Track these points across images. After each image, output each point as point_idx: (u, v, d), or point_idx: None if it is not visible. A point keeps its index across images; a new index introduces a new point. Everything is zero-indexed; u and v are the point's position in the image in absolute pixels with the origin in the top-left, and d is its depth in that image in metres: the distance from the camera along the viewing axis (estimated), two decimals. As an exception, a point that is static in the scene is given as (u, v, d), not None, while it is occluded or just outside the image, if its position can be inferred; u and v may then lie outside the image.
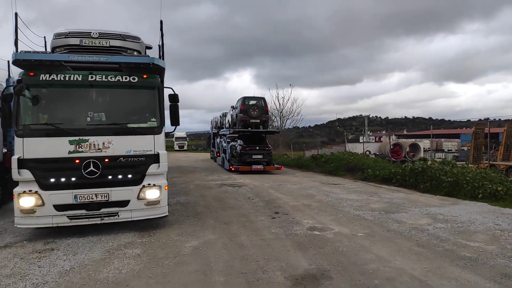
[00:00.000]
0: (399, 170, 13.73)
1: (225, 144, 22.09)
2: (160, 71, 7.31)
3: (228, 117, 23.46)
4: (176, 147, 63.82)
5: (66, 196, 6.33)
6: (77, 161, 6.39)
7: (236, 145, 19.98)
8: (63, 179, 6.35)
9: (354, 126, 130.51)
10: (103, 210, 6.54)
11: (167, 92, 7.15)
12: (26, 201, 6.20)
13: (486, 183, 10.25)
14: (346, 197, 10.49)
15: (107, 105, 6.98)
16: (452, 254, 5.32)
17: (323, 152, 26.40)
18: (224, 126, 24.85)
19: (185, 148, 62.66)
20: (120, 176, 6.63)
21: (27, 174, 6.24)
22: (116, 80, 6.77)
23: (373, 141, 49.08)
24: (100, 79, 6.70)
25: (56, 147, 6.33)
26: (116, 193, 6.58)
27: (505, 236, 6.31)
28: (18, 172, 6.19)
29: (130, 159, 6.68)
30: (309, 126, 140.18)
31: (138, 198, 6.69)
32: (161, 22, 7.64)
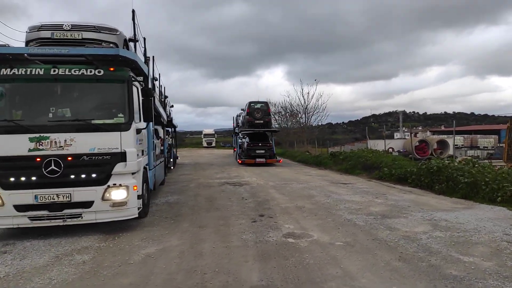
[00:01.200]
0: (414, 169, 12.65)
1: (239, 141, 25.53)
2: (131, 63, 6.89)
3: (241, 118, 26.88)
4: (205, 144, 64.34)
5: (26, 196, 6.04)
6: (38, 159, 6.08)
7: (244, 142, 23.71)
8: (23, 178, 6.06)
9: (390, 122, 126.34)
10: (66, 211, 6.21)
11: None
12: None
13: (506, 184, 9.09)
14: (347, 199, 9.67)
15: (71, 100, 6.63)
16: (434, 272, 4.51)
17: (346, 149, 25.29)
18: (238, 125, 28.24)
19: (213, 144, 62.93)
20: (83, 176, 6.26)
21: None
22: (80, 73, 6.41)
23: (408, 137, 46.86)
24: (63, 73, 6.36)
25: (16, 145, 6.04)
26: (79, 194, 6.22)
27: (510, 249, 5.36)
28: None
29: (94, 157, 6.29)
30: (343, 122, 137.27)
31: (103, 199, 6.30)
32: (133, 11, 7.19)
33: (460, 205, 8.81)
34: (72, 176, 6.21)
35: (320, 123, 41.10)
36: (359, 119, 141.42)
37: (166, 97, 19.07)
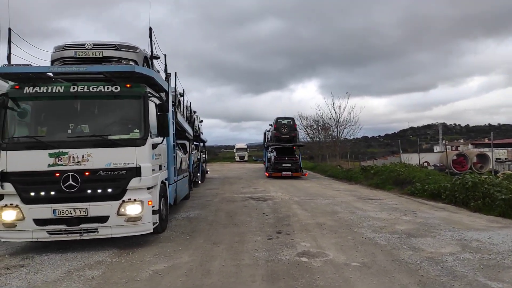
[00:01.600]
0: (448, 185, 11.95)
1: (268, 155, 27.10)
2: (148, 79, 7.02)
3: (269, 133, 28.21)
4: (237, 158, 64.70)
5: (45, 211, 6.20)
6: (56, 174, 6.25)
7: (271, 156, 24.84)
8: (42, 193, 6.24)
9: (429, 134, 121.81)
10: (82, 225, 6.30)
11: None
12: (7, 215, 6.17)
13: (549, 202, 8.36)
14: (373, 216, 9.24)
15: (89, 117, 6.81)
16: (456, 299, 4.13)
17: (379, 163, 24.52)
18: (267, 140, 29.53)
19: (246, 159, 63.19)
20: (99, 191, 6.35)
21: (9, 187, 6.22)
22: (98, 90, 6.59)
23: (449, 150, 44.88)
24: (82, 90, 6.56)
25: (37, 160, 6.25)
26: (95, 208, 6.30)
27: (548, 275, 4.84)
28: (1, 186, 6.20)
29: (109, 172, 6.38)
30: (379, 135, 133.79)
31: (118, 213, 6.35)
32: (150, 29, 7.34)
33: (496, 224, 8.17)
34: (89, 191, 6.32)
35: (353, 137, 40.20)
36: (396, 132, 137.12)
37: (194, 112, 19.35)
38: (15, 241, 6.56)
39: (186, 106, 14.60)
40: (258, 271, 5.11)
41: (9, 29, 6.96)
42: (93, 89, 6.57)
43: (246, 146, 66.87)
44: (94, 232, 6.33)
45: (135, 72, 6.57)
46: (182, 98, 14.13)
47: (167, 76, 9.21)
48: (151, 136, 6.81)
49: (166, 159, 8.47)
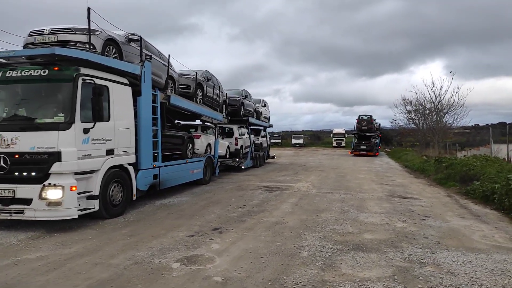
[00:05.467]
0: (497, 186, 9.26)
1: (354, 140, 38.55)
2: (83, 62, 6.84)
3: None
4: (334, 144, 62.59)
5: (-21, 191, 6.55)
6: None
7: (355, 141, 36.83)
8: None
9: None
10: (12, 206, 6.52)
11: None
12: None
13: None
14: (361, 219, 7.65)
15: (23, 101, 6.96)
16: None
17: (469, 153, 20.72)
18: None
19: (343, 144, 60.73)
20: (24, 173, 6.48)
21: None
22: (28, 74, 6.67)
23: None
24: (16, 74, 6.72)
25: None
26: (21, 191, 6.46)
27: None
28: None
29: (33, 156, 6.46)
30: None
31: (40, 197, 6.39)
32: (88, 9, 7.09)
33: (515, 245, 5.93)
34: (16, 173, 6.49)
35: (456, 123, 34.46)
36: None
37: (244, 97, 18.88)
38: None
39: (214, 92, 14.16)
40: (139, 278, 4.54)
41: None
42: (24, 73, 6.68)
43: (344, 131, 63.92)
44: (21, 213, 6.49)
45: (55, 54, 6.44)
46: (208, 82, 13.82)
47: (147, 59, 8.93)
48: (81, 120, 6.67)
49: (133, 144, 8.29)
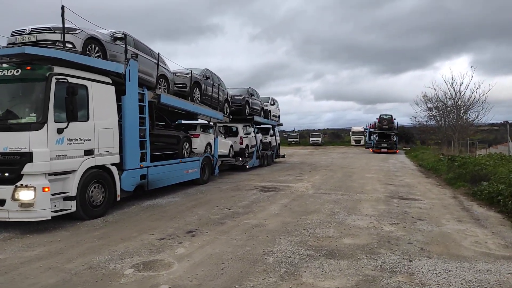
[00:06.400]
0: (502, 187, 8.64)
1: (372, 137, 42.22)
2: (56, 61, 6.75)
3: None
4: (353, 142, 61.72)
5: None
6: None
7: (375, 138, 39.70)
8: None
9: None
10: (-11, 206, 6.48)
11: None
12: None
13: None
14: (348, 222, 7.26)
15: (0, 101, 6.89)
16: None
17: (487, 152, 19.76)
18: (374, 127, 42.91)
19: (362, 142, 59.51)
20: (-1, 174, 6.43)
21: None
22: (2, 74, 6.63)
23: None
24: None
25: None
26: (-5, 191, 6.41)
27: None
28: None
29: (6, 156, 6.41)
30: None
31: (13, 198, 6.33)
32: (62, 7, 6.98)
33: None
34: (-9, 174, 6.44)
35: (478, 120, 32.89)
36: None
37: (249, 95, 18.63)
38: None
39: (214, 90, 13.96)
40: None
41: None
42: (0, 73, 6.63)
43: (363, 130, 62.61)
44: (-3, 214, 6.45)
45: (25, 54, 6.37)
46: (207, 80, 13.63)
47: (132, 57, 8.80)
48: (55, 120, 6.59)
49: (117, 144, 8.16)
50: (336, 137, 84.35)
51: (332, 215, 7.81)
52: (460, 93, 31.56)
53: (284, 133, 72.41)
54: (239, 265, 4.84)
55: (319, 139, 64.06)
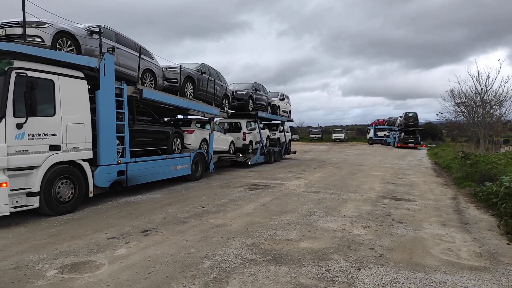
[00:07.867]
0: (495, 188, 7.90)
1: (396, 134, 45.40)
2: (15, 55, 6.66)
3: (398, 121, 47.70)
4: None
5: None
6: None
7: (401, 135, 41.90)
8: None
9: None
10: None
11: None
12: None
13: None
14: (319, 225, 6.82)
15: None
16: None
17: (510, 149, 18.54)
18: (394, 125, 49.74)
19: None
20: (-42, 170, 6.43)
21: None
22: (-37, 68, 6.59)
23: None
24: None
25: None
26: (-45, 187, 6.41)
27: None
28: None
29: (-36, 152, 6.37)
30: None
31: (-29, 193, 6.31)
32: (22, 0, 6.86)
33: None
34: (-50, 170, 6.45)
35: (505, 117, 30.98)
36: None
37: (254, 89, 18.27)
38: None
39: (210, 85, 13.70)
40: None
41: None
42: (-39, 67, 6.61)
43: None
44: (-43, 209, 6.45)
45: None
46: (202, 75, 13.37)
47: (109, 51, 8.64)
48: (15, 115, 6.51)
49: (89, 139, 8.04)
50: (362, 133, 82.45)
51: (306, 216, 7.37)
52: (487, 88, 29.93)
53: (310, 128, 71.49)
54: (170, 268, 4.54)
55: (342, 135, 62.79)
